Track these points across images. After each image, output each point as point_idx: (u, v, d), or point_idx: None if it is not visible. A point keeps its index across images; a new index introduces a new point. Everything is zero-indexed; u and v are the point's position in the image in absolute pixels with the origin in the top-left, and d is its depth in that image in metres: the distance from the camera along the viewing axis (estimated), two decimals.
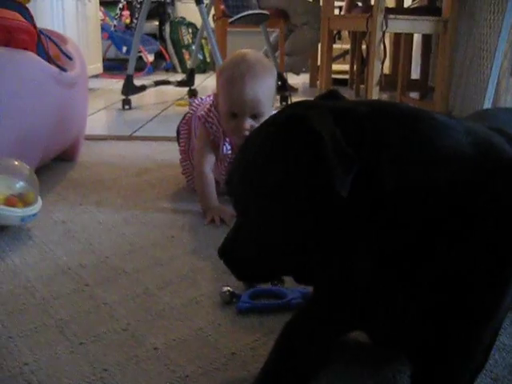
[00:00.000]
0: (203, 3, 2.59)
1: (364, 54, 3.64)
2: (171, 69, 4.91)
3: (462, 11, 2.61)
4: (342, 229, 0.62)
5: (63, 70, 1.61)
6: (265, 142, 0.67)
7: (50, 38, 1.66)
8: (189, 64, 4.85)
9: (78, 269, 1.10)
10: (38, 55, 1.56)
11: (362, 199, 0.60)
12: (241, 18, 2.64)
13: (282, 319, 0.91)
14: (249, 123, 1.32)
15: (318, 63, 4.16)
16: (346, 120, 0.62)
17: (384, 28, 2.27)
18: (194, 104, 1.57)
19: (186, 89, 3.42)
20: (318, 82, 2.89)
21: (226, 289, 0.98)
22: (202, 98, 1.58)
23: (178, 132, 1.63)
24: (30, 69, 1.48)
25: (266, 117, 1.29)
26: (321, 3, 4.05)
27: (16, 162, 1.30)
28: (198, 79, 3.93)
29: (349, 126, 0.62)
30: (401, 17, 2.32)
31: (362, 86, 3.65)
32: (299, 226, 0.64)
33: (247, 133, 1.30)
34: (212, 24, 3.14)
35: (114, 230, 1.30)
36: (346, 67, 4.13)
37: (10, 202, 1.23)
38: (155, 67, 4.78)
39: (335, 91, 0.75)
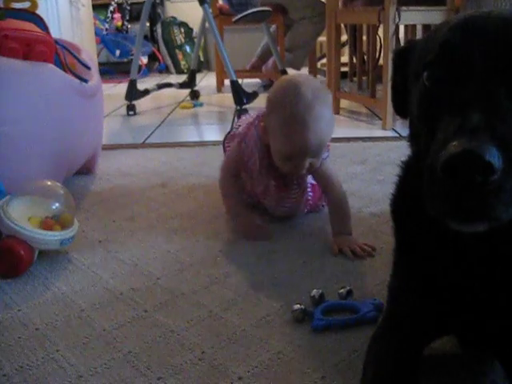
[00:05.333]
0: (207, 3, 2.52)
1: (364, 46, 3.59)
2: (165, 70, 4.82)
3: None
4: None
5: (84, 80, 1.54)
6: None
7: (65, 48, 1.59)
8: (183, 64, 4.78)
9: (130, 293, 1.04)
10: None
11: None
12: (245, 16, 2.57)
13: (360, 335, 0.88)
14: (308, 162, 1.18)
15: (316, 57, 4.14)
16: None
17: (397, 20, 2.22)
18: (239, 122, 1.44)
19: (187, 90, 3.35)
20: (326, 78, 2.83)
21: (297, 306, 0.93)
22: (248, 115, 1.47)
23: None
24: (52, 82, 1.41)
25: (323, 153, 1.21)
26: None
27: (49, 183, 1.23)
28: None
29: None
30: (413, 8, 2.27)
31: (363, 78, 3.61)
32: None
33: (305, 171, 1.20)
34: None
35: (157, 248, 1.24)
36: (345, 59, 4.07)
37: (46, 225, 1.17)
38: (149, 69, 4.69)
39: None
